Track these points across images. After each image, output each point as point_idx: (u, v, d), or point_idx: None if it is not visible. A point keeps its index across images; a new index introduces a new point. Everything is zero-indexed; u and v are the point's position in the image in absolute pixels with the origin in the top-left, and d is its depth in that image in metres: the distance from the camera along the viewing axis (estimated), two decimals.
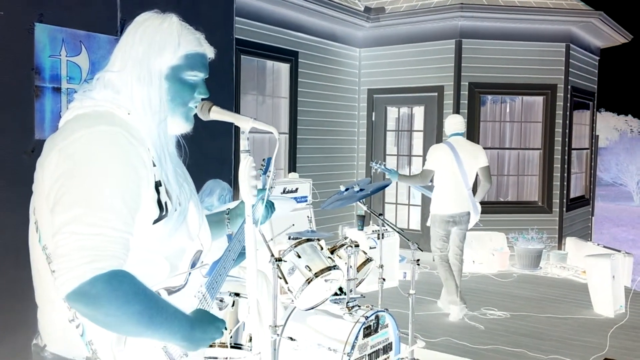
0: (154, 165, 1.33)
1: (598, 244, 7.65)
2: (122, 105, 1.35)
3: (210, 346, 2.64)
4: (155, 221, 1.32)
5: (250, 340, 2.62)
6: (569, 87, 7.86)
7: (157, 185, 1.33)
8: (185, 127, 1.47)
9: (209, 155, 4.25)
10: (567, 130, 7.92)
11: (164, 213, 1.33)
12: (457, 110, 7.57)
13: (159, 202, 1.32)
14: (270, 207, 1.84)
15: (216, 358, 2.73)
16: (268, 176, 1.86)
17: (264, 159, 1.94)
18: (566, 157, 7.96)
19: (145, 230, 1.30)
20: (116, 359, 1.26)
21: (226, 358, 2.73)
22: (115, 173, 1.22)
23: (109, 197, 1.20)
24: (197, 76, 1.45)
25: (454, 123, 5.38)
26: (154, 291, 1.29)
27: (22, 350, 2.96)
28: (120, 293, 1.16)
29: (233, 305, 2.75)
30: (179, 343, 1.31)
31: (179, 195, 1.39)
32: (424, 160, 6.40)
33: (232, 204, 2.97)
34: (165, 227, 1.34)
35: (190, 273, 1.44)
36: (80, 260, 1.14)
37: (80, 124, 1.28)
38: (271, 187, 1.84)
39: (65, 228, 1.16)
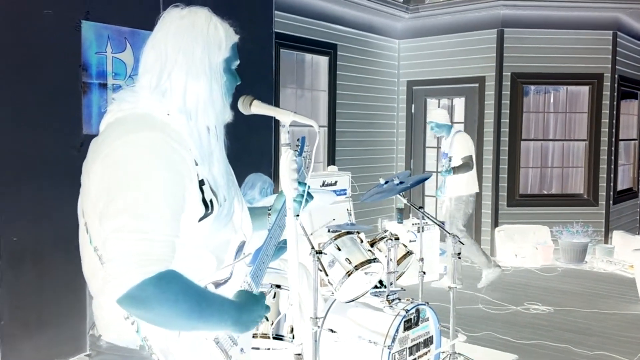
0: (196, 165, 1.34)
1: None
2: (160, 105, 1.35)
3: (253, 336, 2.69)
4: (201, 219, 1.34)
5: (292, 331, 2.65)
6: (616, 76, 7.62)
7: (201, 184, 1.34)
8: (230, 116, 1.49)
9: (249, 148, 4.30)
10: (614, 121, 7.68)
11: (209, 211, 1.35)
12: (499, 102, 7.44)
13: (204, 200, 1.34)
14: (307, 194, 1.83)
15: (258, 348, 2.77)
16: (304, 157, 1.83)
17: (298, 139, 1.88)
18: (613, 148, 7.72)
19: (191, 228, 1.32)
20: (171, 353, 1.29)
21: (268, 348, 2.77)
22: (159, 178, 1.24)
23: (155, 204, 1.23)
24: (237, 64, 1.49)
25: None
26: (200, 286, 1.32)
27: (76, 339, 3.07)
28: (170, 294, 1.20)
29: (274, 297, 2.79)
30: (230, 329, 1.35)
31: (226, 193, 1.41)
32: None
33: (273, 198, 3.00)
34: (211, 224, 1.36)
35: (233, 265, 1.46)
36: (129, 266, 1.17)
37: (121, 130, 1.29)
38: (307, 169, 1.81)
39: (113, 235, 1.19)
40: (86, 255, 1.36)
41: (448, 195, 5.78)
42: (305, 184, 1.82)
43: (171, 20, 1.41)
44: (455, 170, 5.47)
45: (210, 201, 1.36)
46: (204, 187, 1.35)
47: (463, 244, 3.89)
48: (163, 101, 1.36)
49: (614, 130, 7.69)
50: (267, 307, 1.43)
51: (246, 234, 1.55)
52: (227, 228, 1.42)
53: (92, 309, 1.41)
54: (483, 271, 5.88)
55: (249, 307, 1.38)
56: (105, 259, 1.20)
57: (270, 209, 1.82)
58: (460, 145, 5.60)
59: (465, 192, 5.68)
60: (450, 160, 5.53)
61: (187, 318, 1.24)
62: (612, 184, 7.77)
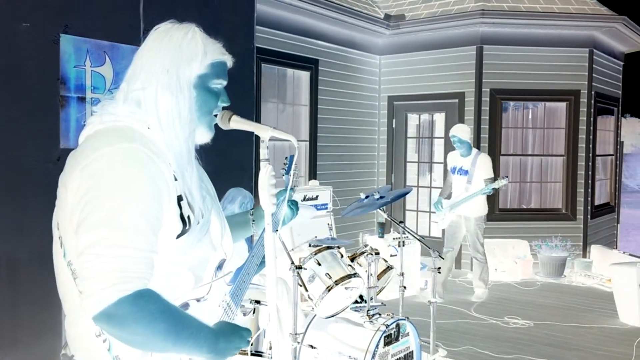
0: (175, 180, 1.33)
1: (624, 252, 7.51)
2: (141, 119, 1.34)
3: None
4: (179, 235, 1.32)
5: (271, 348, 2.63)
6: (593, 92, 7.76)
7: (179, 199, 1.33)
8: (208, 136, 1.47)
9: (229, 163, 4.28)
10: (591, 137, 7.81)
11: (187, 227, 1.33)
12: (478, 117, 7.53)
13: (182, 216, 1.32)
14: (294, 206, 1.81)
15: None
16: (291, 175, 1.84)
17: (286, 157, 1.92)
18: (590, 163, 7.84)
19: (168, 244, 1.30)
20: None
21: None
22: (137, 192, 1.22)
23: (132, 217, 1.20)
24: (221, 84, 1.47)
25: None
26: (178, 306, 1.30)
27: (50, 358, 3.01)
28: (147, 313, 1.18)
29: (254, 312, 2.76)
30: (205, 356, 1.31)
31: (202, 207, 1.39)
32: (445, 167, 6.43)
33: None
34: (188, 240, 1.34)
35: (211, 284, 1.44)
36: (106, 283, 1.15)
37: (100, 142, 1.28)
38: (294, 187, 1.83)
39: (89, 250, 1.17)
40: (60, 270, 1.33)
41: (465, 214, 5.92)
42: (296, 202, 1.82)
43: (155, 32, 1.42)
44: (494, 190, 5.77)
45: (188, 217, 1.34)
46: (182, 202, 1.33)
47: (442, 258, 3.91)
48: (139, 112, 1.35)
49: (591, 145, 7.82)
50: (247, 340, 1.40)
51: (226, 252, 1.53)
52: (203, 244, 1.40)
53: (65, 327, 1.38)
54: (479, 289, 6.11)
55: (227, 336, 1.35)
56: (80, 274, 1.18)
57: (252, 213, 1.81)
58: (487, 167, 5.86)
59: (484, 212, 6.00)
60: (470, 182, 5.82)
61: (163, 339, 1.21)
62: (589, 199, 7.88)
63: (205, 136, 1.46)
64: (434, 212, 6.38)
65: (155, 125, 1.35)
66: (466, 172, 5.86)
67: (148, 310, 1.18)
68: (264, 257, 1.66)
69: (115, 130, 1.31)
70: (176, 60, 1.37)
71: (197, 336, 1.27)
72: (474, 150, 5.98)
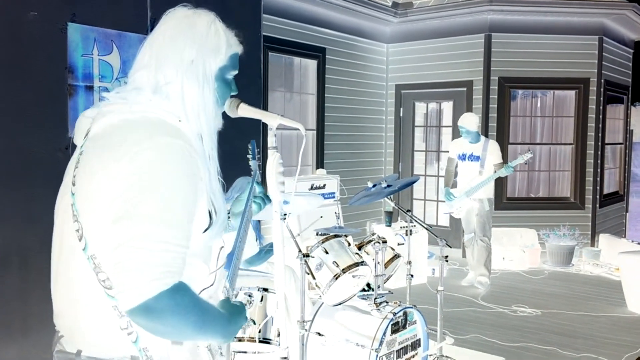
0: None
1: (632, 241, 7.48)
2: (171, 111, 1.32)
3: (240, 340, 2.68)
4: (205, 230, 1.33)
5: (279, 335, 2.64)
6: (602, 80, 7.70)
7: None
8: (219, 126, 1.47)
9: (237, 152, 4.28)
10: (600, 125, 7.75)
11: (212, 221, 1.34)
12: (486, 106, 7.49)
13: (209, 211, 1.33)
14: (262, 200, 1.72)
15: (245, 352, 2.76)
16: (258, 159, 1.81)
17: (249, 142, 1.85)
18: (599, 152, 7.79)
19: (195, 239, 1.31)
20: (171, 355, 1.29)
21: (255, 352, 2.76)
22: (181, 189, 1.23)
23: (177, 213, 1.21)
24: (234, 74, 1.47)
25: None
26: (202, 298, 1.32)
27: (42, 352, 3.04)
28: (182, 306, 1.19)
29: (262, 300, 2.78)
30: (219, 340, 1.34)
31: (221, 200, 1.39)
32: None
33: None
34: (211, 234, 1.35)
35: (216, 272, 1.46)
36: (150, 277, 1.15)
37: (140, 134, 1.26)
38: (258, 172, 1.78)
39: (133, 242, 1.16)
40: (73, 264, 1.28)
41: (480, 197, 5.94)
42: (266, 195, 1.78)
43: (174, 18, 1.39)
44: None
45: (211, 212, 1.34)
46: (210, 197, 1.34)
47: (450, 247, 3.92)
48: (167, 104, 1.33)
49: (600, 134, 7.77)
50: (246, 317, 1.42)
51: (225, 239, 1.54)
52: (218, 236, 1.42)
53: (63, 322, 1.33)
54: (483, 277, 6.08)
55: (235, 318, 1.37)
56: (118, 267, 1.16)
57: (229, 212, 1.80)
58: (497, 152, 5.94)
59: (492, 195, 6.09)
60: (483, 166, 5.88)
61: (192, 330, 1.23)
62: (598, 188, 7.83)
63: (220, 124, 1.47)
64: (443, 202, 6.37)
65: (183, 117, 1.33)
66: (478, 158, 5.90)
67: (183, 303, 1.19)
68: (269, 245, 1.67)
69: (150, 122, 1.29)
70: (202, 51, 1.36)
71: (217, 323, 1.29)
72: (483, 137, 6.02)
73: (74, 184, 1.29)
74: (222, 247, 1.53)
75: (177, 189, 1.22)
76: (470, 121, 5.89)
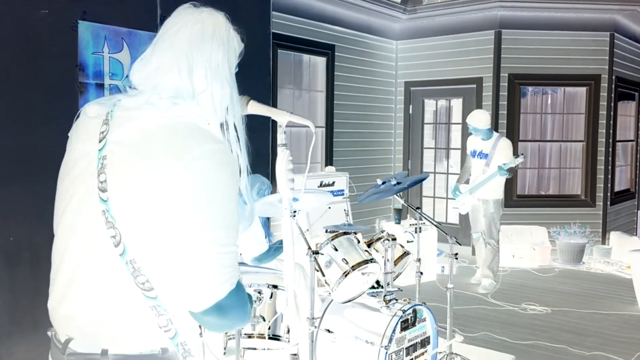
0: None
1: None
2: (200, 115, 1.32)
3: (249, 337, 2.69)
4: None
5: (288, 331, 2.65)
6: (614, 77, 7.64)
7: None
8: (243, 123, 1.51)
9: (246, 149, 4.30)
10: (611, 122, 7.70)
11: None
12: (496, 103, 7.45)
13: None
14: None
15: (255, 349, 2.77)
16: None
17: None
18: (610, 149, 7.74)
19: None
20: (208, 348, 1.40)
21: (264, 349, 2.77)
22: (233, 192, 1.29)
23: (234, 216, 1.28)
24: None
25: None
26: None
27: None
28: (243, 300, 1.31)
29: (271, 297, 2.79)
30: (242, 326, 1.47)
31: (247, 197, 1.45)
32: (463, 153, 6.39)
33: (271, 198, 3.00)
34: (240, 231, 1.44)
35: None
36: (222, 278, 1.24)
37: (187, 141, 1.25)
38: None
39: (203, 247, 1.22)
40: (105, 269, 1.27)
41: (484, 197, 5.87)
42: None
43: (192, 20, 1.36)
44: (511, 170, 5.67)
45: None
46: None
47: (460, 244, 3.91)
48: (198, 109, 1.32)
49: (611, 131, 7.71)
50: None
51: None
52: None
53: (80, 324, 1.31)
54: (487, 279, 5.97)
55: (251, 304, 1.46)
56: (189, 271, 1.22)
57: None
58: (506, 152, 5.76)
59: (501, 195, 5.92)
60: (488, 165, 5.76)
61: (245, 319, 1.34)
62: (609, 185, 7.78)
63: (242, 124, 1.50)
64: (452, 199, 6.35)
65: (213, 121, 1.34)
66: (486, 156, 5.82)
67: (244, 297, 1.31)
68: (279, 242, 1.67)
69: (189, 128, 1.28)
70: (227, 54, 1.37)
71: (248, 311, 1.38)
72: (495, 134, 5.91)
73: (103, 190, 1.26)
74: None
75: (231, 193, 1.28)
76: (477, 119, 5.82)
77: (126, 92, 1.39)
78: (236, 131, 1.38)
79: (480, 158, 5.87)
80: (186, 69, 1.32)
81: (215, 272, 1.23)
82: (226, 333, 2.58)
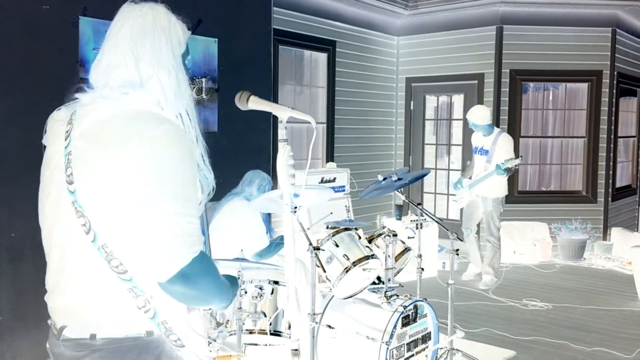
0: None
1: None
2: (152, 101, 1.40)
3: (250, 332, 2.70)
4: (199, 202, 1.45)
5: (289, 327, 2.65)
6: (615, 73, 7.62)
7: None
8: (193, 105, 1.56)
9: (247, 145, 4.29)
10: (612, 118, 7.68)
11: (201, 194, 1.46)
12: (498, 99, 7.44)
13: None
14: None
15: (256, 344, 2.77)
16: None
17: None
18: (612, 145, 7.73)
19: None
20: (189, 328, 1.42)
21: (266, 344, 2.77)
22: (190, 167, 1.35)
23: (191, 190, 1.34)
24: (188, 59, 1.54)
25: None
26: None
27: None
28: (210, 270, 1.35)
29: (272, 293, 2.79)
30: (225, 305, 1.47)
31: (206, 172, 1.51)
32: (464, 149, 6.37)
33: (272, 193, 3.01)
34: (201, 206, 1.48)
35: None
36: (182, 245, 1.28)
37: (137, 125, 1.34)
38: None
39: (161, 218, 1.28)
40: (82, 257, 1.35)
41: (483, 194, 5.85)
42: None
43: (133, 16, 1.44)
44: (508, 170, 5.60)
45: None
46: None
47: (461, 240, 3.91)
48: (149, 96, 1.40)
49: (612, 127, 7.70)
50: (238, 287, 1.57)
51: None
52: None
53: (71, 313, 1.39)
54: (487, 276, 5.97)
55: (234, 285, 1.51)
56: (151, 243, 1.27)
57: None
58: (507, 147, 5.72)
59: (502, 194, 5.87)
60: (489, 162, 5.71)
61: (216, 291, 1.37)
62: (610, 181, 7.77)
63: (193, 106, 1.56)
64: (453, 194, 6.34)
65: (165, 106, 1.42)
66: (486, 152, 5.80)
67: (210, 267, 1.35)
68: (280, 238, 1.68)
69: (139, 113, 1.37)
70: (169, 42, 1.44)
71: (226, 287, 1.43)
72: (496, 130, 5.89)
73: (70, 183, 1.35)
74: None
75: (187, 167, 1.34)
76: (476, 115, 5.79)
77: (85, 92, 1.47)
78: (188, 114, 1.46)
79: (482, 154, 5.85)
80: (132, 61, 1.41)
81: (174, 239, 1.27)
82: (221, 323, 2.59)
